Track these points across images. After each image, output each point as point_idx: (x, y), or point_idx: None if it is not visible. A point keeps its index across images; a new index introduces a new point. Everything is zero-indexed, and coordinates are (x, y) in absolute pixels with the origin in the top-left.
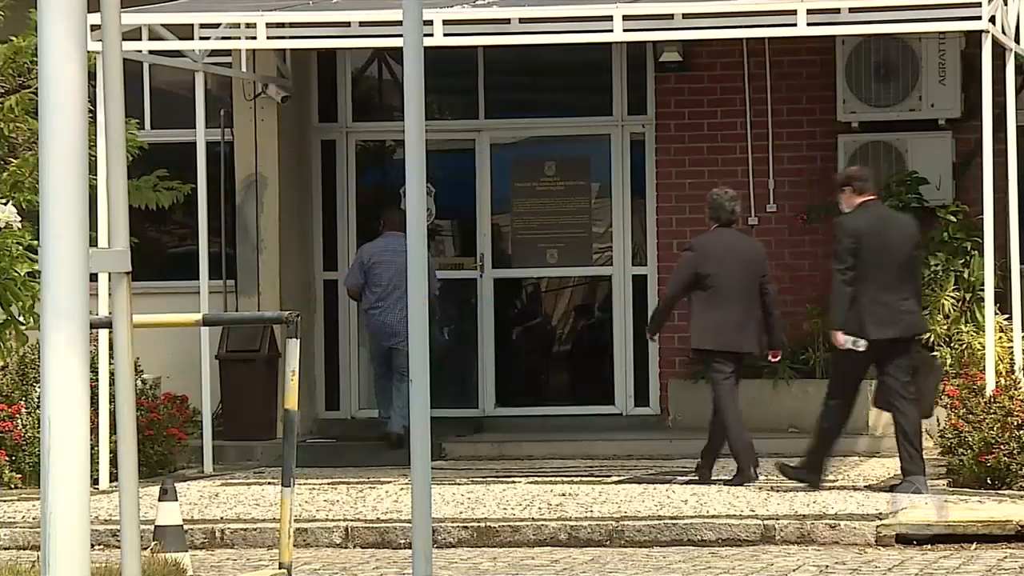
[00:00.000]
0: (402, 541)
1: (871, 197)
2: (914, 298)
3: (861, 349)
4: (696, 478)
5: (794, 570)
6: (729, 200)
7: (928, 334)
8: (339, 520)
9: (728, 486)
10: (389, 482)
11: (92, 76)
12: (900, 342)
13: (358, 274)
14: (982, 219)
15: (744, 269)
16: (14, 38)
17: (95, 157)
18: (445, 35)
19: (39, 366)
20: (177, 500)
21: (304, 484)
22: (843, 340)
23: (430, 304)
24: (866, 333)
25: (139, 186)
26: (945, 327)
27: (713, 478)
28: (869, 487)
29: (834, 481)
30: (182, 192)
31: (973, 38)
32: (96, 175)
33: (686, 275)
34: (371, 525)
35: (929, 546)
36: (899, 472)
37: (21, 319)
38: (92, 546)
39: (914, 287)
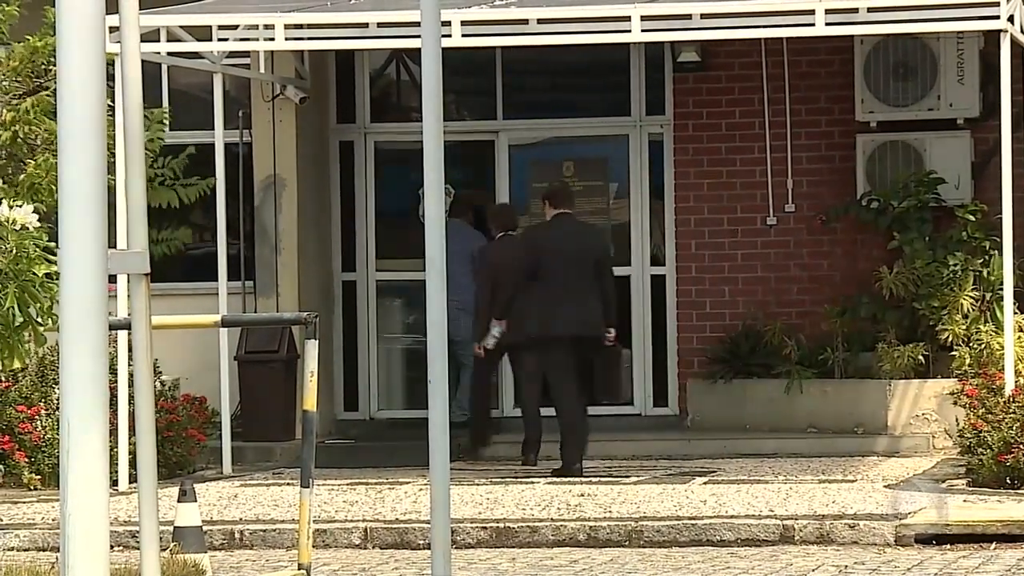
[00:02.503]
0: (421, 542)
1: (564, 211)
2: (597, 303)
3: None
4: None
5: (813, 570)
6: (511, 210)
7: (944, 332)
8: (358, 521)
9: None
10: (408, 483)
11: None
12: (583, 341)
13: None
14: (1001, 218)
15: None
16: (30, 37)
17: (114, 159)
18: (463, 36)
19: (58, 368)
20: (196, 501)
21: (323, 485)
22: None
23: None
24: (544, 330)
25: (154, 184)
26: (964, 327)
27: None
28: (888, 487)
29: (853, 480)
30: (206, 186)
31: (992, 37)
32: (115, 176)
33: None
34: (390, 526)
35: (949, 546)
36: (919, 472)
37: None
38: (111, 547)
39: (598, 294)
